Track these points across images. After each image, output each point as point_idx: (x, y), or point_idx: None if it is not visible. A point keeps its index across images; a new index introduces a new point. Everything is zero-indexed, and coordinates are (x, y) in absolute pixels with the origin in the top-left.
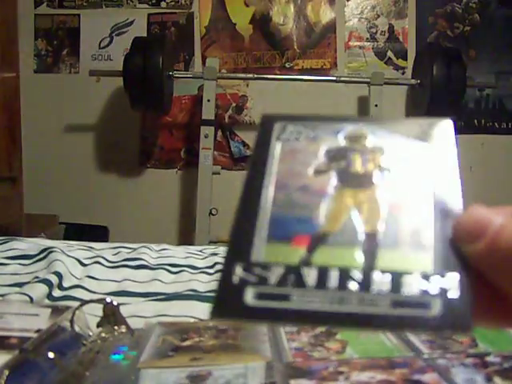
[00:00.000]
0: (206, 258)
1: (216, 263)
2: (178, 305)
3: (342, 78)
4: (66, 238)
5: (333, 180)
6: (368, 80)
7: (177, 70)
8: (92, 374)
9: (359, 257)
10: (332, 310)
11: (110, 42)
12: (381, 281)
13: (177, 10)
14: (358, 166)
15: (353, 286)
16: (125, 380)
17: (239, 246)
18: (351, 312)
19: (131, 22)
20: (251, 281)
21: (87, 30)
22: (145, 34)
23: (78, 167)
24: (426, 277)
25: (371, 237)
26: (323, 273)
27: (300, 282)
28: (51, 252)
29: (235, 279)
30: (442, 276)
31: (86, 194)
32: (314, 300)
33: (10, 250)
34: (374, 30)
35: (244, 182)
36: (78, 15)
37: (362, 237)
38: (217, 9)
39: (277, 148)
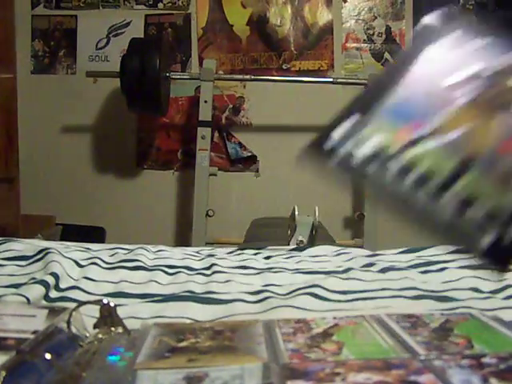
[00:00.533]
0: (202, 259)
1: (213, 264)
2: (174, 306)
3: (339, 80)
4: (63, 238)
5: (465, 96)
6: (365, 81)
7: (174, 71)
8: (89, 375)
9: (449, 166)
10: (397, 193)
11: (107, 43)
12: (448, 198)
13: (174, 11)
14: (495, 93)
15: (429, 189)
16: (122, 381)
17: (357, 108)
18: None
19: (128, 23)
20: (342, 146)
21: (84, 31)
22: (142, 35)
23: (75, 168)
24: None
25: (470, 158)
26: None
27: (383, 167)
28: (48, 253)
29: (334, 137)
30: None
31: (82, 195)
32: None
33: (7, 251)
34: (371, 32)
35: (387, 68)
36: (75, 16)
37: (464, 155)
38: (214, 10)
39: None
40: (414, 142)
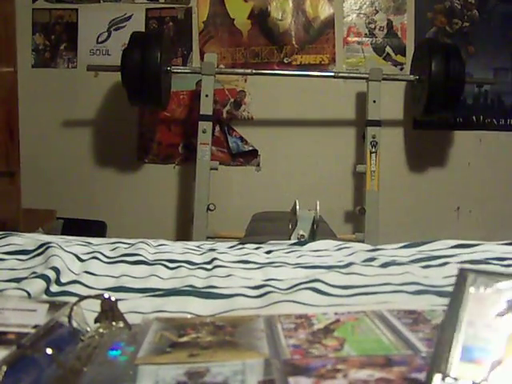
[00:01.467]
0: (203, 253)
1: (214, 259)
2: (175, 300)
3: (341, 74)
4: (64, 233)
5: (511, 322)
6: (366, 76)
7: (175, 65)
8: (90, 369)
9: None
10: None
11: (108, 36)
12: None
13: (175, 5)
14: None
15: None
16: (123, 376)
17: (440, 361)
18: None
19: (129, 17)
20: None
21: (85, 25)
22: (143, 29)
23: (76, 162)
24: None
25: None
26: None
27: None
28: (49, 247)
29: None
30: None
31: (83, 189)
32: None
33: (8, 245)
34: (372, 26)
35: (444, 318)
36: (76, 10)
37: None
38: (215, 4)
39: (469, 294)
40: (491, 368)
